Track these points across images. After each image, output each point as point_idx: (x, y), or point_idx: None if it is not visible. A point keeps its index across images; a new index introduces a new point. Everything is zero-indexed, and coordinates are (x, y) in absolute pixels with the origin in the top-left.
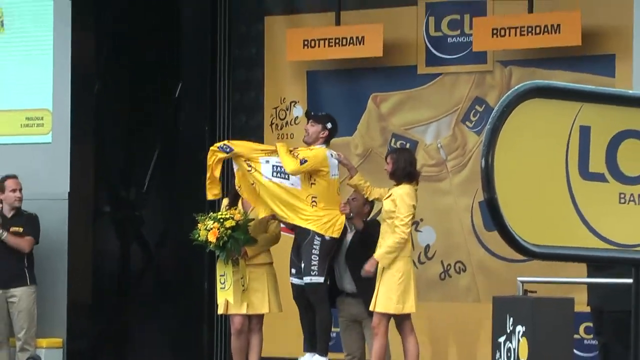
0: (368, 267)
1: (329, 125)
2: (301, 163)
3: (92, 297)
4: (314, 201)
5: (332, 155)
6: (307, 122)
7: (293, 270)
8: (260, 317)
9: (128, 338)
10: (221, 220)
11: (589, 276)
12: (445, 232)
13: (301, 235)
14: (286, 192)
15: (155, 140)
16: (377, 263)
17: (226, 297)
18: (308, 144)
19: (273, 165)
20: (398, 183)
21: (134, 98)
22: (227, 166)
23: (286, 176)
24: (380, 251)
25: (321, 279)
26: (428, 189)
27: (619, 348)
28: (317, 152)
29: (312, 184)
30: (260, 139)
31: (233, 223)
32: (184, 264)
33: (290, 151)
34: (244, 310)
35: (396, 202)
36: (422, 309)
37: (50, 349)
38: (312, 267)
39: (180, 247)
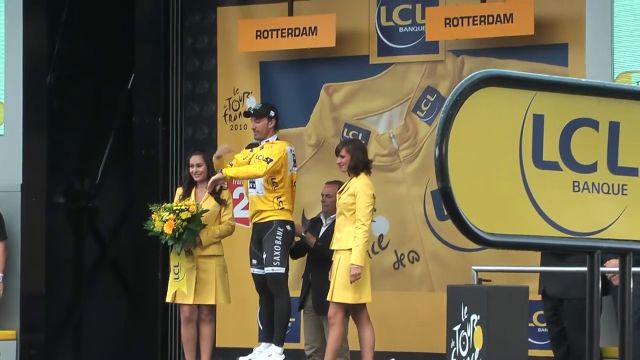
0: (353, 272)
1: (272, 114)
2: (267, 162)
3: (46, 288)
4: (280, 202)
5: (291, 151)
6: (252, 121)
7: (254, 261)
8: (211, 308)
9: (82, 329)
10: (177, 211)
11: (549, 265)
12: (399, 221)
13: (262, 226)
14: (256, 201)
15: (108, 131)
16: (359, 265)
17: (179, 288)
18: (262, 140)
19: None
20: (357, 175)
21: (86, 89)
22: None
23: (253, 184)
24: (354, 255)
25: (282, 270)
26: (381, 178)
27: (580, 336)
28: (280, 147)
29: (275, 187)
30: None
31: (189, 215)
32: (138, 255)
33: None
34: (191, 300)
35: (355, 194)
36: (377, 299)
37: (4, 341)
38: (275, 258)
39: (135, 238)
